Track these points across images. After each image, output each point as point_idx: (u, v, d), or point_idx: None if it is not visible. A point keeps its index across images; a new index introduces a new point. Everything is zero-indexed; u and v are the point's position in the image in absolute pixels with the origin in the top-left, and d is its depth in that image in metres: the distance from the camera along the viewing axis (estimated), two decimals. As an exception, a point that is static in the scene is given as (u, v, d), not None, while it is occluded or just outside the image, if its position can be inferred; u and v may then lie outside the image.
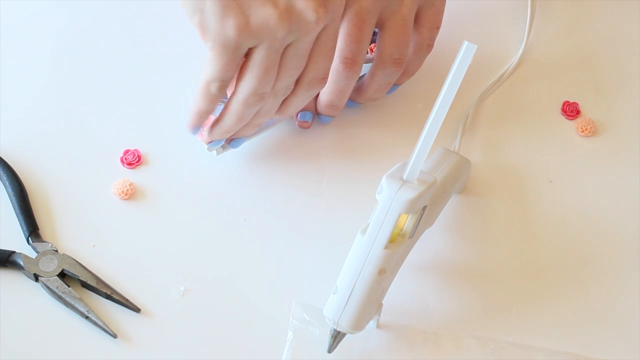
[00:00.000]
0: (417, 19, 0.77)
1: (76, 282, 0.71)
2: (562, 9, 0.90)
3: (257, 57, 0.68)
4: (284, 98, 0.72)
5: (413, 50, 0.78)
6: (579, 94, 0.84)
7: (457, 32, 0.85)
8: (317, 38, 0.69)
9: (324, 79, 0.72)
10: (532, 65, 0.86)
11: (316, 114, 0.80)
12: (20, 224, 0.73)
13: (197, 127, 0.73)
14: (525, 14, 0.88)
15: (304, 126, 0.80)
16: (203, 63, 0.68)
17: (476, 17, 0.89)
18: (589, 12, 0.89)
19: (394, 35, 0.75)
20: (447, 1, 0.79)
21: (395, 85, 0.80)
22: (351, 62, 0.75)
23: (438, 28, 0.78)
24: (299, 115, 0.79)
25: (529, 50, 0.86)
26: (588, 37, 0.88)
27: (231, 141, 0.76)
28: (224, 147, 0.76)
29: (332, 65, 0.75)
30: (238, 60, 0.68)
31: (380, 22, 0.76)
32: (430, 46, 0.79)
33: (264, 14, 0.66)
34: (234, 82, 0.70)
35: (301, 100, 0.73)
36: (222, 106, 0.72)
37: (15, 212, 0.74)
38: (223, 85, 0.69)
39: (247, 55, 0.68)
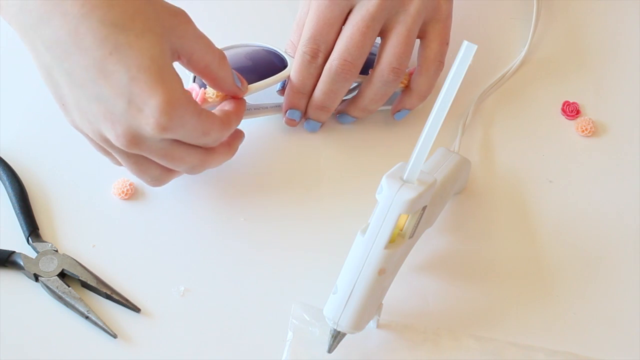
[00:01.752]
0: (424, 34, 0.77)
1: (76, 282, 0.71)
2: (563, 10, 0.90)
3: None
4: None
5: (423, 66, 0.77)
6: (579, 94, 0.84)
7: (460, 32, 0.85)
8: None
9: (194, 168, 0.72)
10: (531, 66, 0.86)
11: (305, 117, 0.79)
12: (20, 224, 0.73)
13: None
14: (525, 15, 0.88)
15: (290, 124, 0.80)
16: None
17: (478, 17, 0.89)
18: (590, 13, 0.90)
19: (397, 44, 0.75)
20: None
21: (406, 110, 0.79)
22: (349, 65, 0.75)
23: (447, 44, 0.78)
24: (287, 112, 0.79)
25: (529, 51, 0.86)
26: (588, 37, 0.88)
27: None
28: None
29: (329, 66, 0.75)
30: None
31: (385, 30, 0.75)
32: (441, 63, 0.77)
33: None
34: None
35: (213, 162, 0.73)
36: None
37: (15, 212, 0.74)
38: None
39: None
